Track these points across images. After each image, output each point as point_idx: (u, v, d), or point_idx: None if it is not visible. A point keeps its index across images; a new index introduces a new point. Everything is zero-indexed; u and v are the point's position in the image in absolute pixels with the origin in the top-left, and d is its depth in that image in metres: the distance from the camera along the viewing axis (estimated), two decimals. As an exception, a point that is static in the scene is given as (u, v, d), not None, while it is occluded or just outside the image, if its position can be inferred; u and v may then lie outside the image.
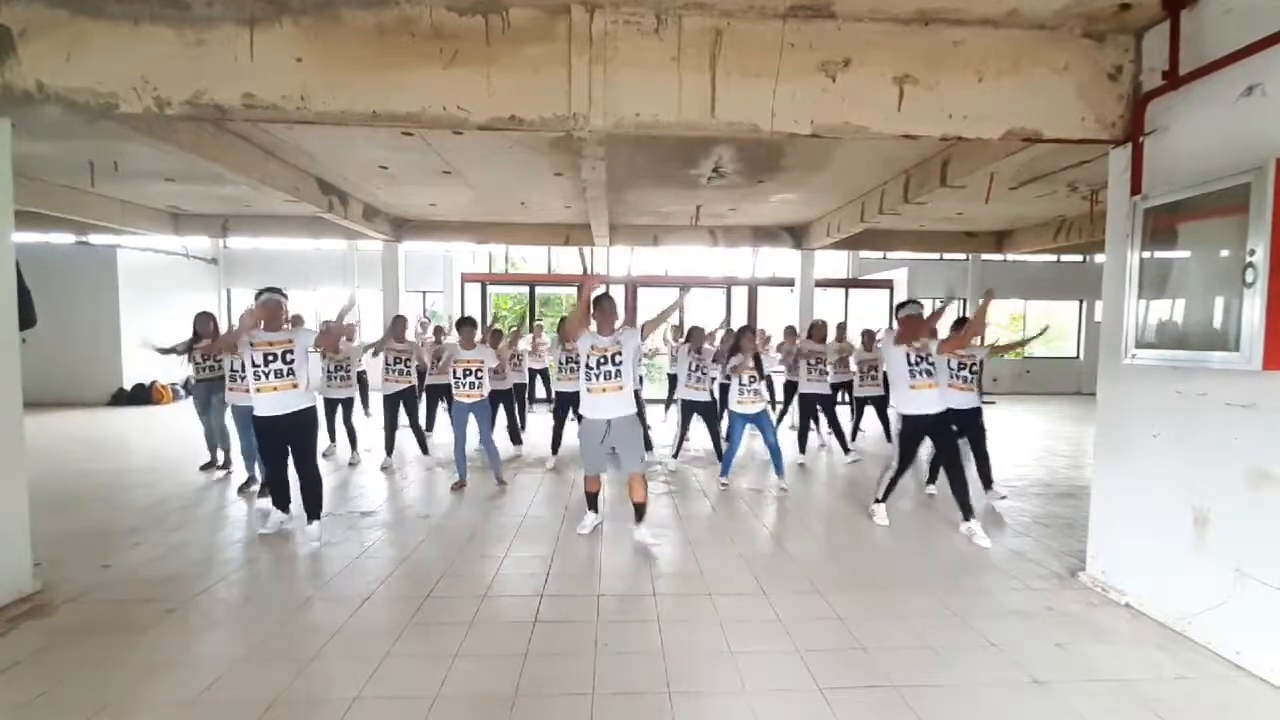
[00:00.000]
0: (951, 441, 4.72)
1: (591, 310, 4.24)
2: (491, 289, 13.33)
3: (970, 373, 5.24)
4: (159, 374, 12.23)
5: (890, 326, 6.84)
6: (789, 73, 3.40)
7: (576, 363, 4.67)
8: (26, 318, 3.50)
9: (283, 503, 4.49)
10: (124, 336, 11.85)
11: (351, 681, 2.61)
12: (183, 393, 12.50)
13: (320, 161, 6.51)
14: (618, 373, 4.21)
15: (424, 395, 7.75)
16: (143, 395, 11.89)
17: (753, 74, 3.40)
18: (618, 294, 12.69)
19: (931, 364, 4.60)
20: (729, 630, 3.11)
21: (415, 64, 3.29)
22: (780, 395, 8.68)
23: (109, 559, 3.95)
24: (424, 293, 13.98)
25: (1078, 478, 6.45)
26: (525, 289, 13.62)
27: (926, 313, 4.71)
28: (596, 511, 4.66)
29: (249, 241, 13.92)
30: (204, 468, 6.33)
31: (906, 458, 4.79)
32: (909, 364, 4.57)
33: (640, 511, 4.30)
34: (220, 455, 6.36)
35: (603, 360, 4.20)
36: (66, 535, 4.34)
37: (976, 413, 5.34)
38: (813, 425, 7.59)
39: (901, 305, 4.82)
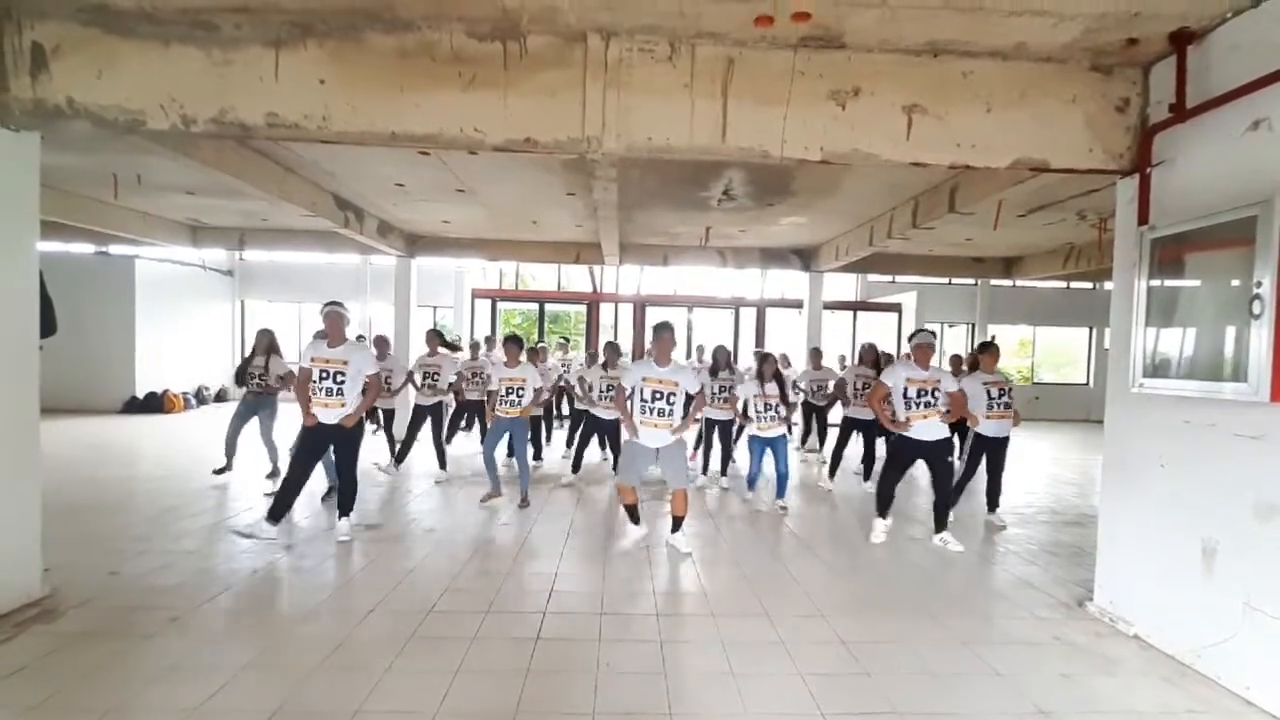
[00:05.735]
0: (946, 469, 4.84)
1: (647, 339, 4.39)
2: (501, 305, 13.46)
3: (1010, 397, 5.32)
4: (171, 383, 12.38)
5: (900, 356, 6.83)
6: (799, 100, 3.46)
7: (616, 389, 4.78)
8: (48, 326, 3.58)
9: (278, 513, 4.44)
10: (139, 345, 12.01)
11: (353, 694, 2.62)
12: (193, 401, 12.64)
13: (337, 178, 6.63)
14: (670, 411, 4.31)
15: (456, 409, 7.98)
16: (155, 403, 12.01)
17: (764, 101, 3.46)
18: (625, 313, 12.82)
19: (935, 396, 4.70)
20: (731, 652, 3.09)
21: (434, 87, 3.38)
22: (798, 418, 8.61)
23: (116, 566, 3.98)
24: (435, 308, 14.11)
25: (1086, 505, 6.39)
26: (535, 305, 13.75)
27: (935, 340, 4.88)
28: (639, 523, 4.71)
29: (264, 254, 14.12)
30: (217, 472, 6.39)
31: (894, 464, 4.96)
32: (905, 396, 4.71)
33: (678, 523, 4.58)
34: (231, 462, 6.42)
35: (657, 395, 4.27)
36: (75, 541, 4.38)
37: (1004, 442, 5.45)
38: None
39: (914, 334, 4.91)
